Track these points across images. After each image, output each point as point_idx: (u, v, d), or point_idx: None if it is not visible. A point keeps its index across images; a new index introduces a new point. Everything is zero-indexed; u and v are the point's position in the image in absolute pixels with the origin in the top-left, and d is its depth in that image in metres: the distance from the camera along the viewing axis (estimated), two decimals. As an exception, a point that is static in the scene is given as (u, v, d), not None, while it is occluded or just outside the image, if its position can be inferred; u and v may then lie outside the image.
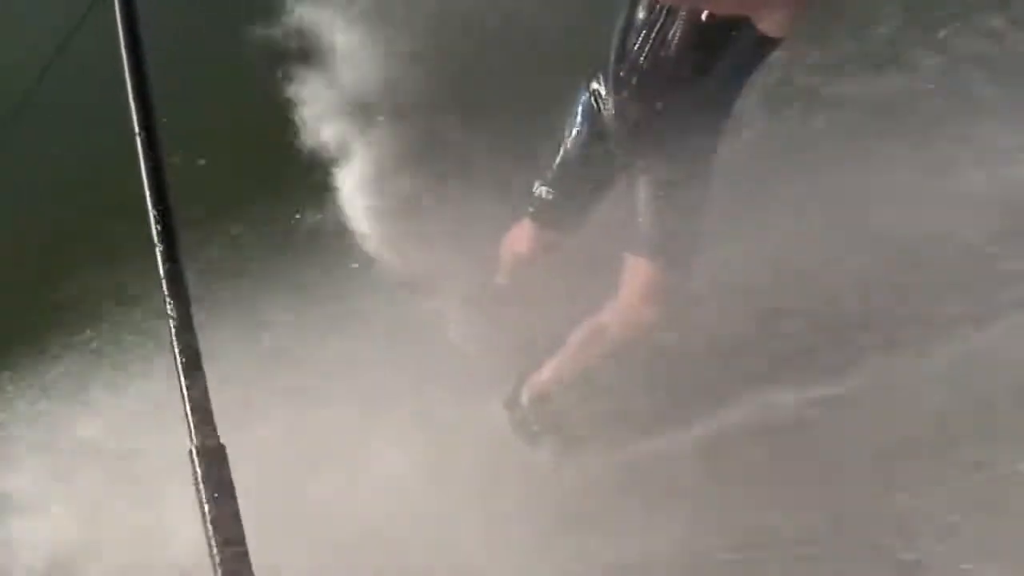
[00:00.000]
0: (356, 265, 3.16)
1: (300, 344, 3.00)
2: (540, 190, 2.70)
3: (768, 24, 2.13)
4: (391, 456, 2.73)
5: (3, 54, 3.70)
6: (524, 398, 2.89)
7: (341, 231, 3.22)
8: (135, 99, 1.17)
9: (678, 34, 2.23)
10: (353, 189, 3.33)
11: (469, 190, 3.16)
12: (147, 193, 1.14)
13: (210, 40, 3.61)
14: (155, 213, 1.12)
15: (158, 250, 1.04)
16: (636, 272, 2.54)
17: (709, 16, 2.16)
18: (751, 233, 2.90)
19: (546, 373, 2.85)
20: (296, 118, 3.32)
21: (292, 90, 3.34)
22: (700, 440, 2.78)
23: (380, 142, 3.38)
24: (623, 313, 2.60)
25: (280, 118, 3.29)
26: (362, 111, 3.34)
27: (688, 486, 2.63)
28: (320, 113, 3.33)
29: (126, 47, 1.20)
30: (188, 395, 1.00)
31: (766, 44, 2.20)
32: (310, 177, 3.29)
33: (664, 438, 2.81)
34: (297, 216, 3.26)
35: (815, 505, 2.61)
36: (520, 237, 2.82)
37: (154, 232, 1.09)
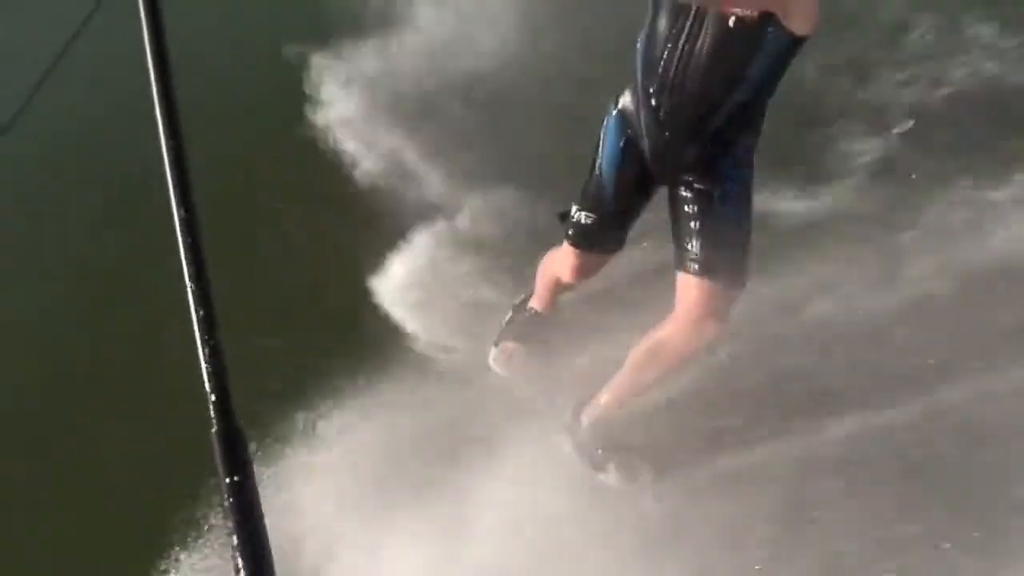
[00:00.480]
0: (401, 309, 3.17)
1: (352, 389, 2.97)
2: (579, 215, 2.63)
3: (796, 20, 2.08)
4: (452, 494, 2.68)
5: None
6: (584, 422, 2.82)
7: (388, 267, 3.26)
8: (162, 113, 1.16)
9: (707, 43, 2.16)
10: (392, 226, 3.35)
11: (507, 222, 3.21)
12: (169, 180, 1.13)
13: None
14: (179, 207, 1.11)
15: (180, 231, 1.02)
16: (690, 290, 2.47)
17: (737, 21, 2.09)
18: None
19: (604, 396, 2.78)
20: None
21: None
22: (770, 455, 2.69)
23: (414, 172, 3.44)
24: (680, 332, 2.52)
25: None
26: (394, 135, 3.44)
27: (762, 500, 2.55)
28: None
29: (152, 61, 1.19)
30: (209, 379, 0.97)
31: (793, 43, 2.14)
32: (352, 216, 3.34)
33: (727, 456, 2.73)
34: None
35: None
36: (561, 262, 2.77)
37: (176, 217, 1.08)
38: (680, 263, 2.49)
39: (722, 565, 2.46)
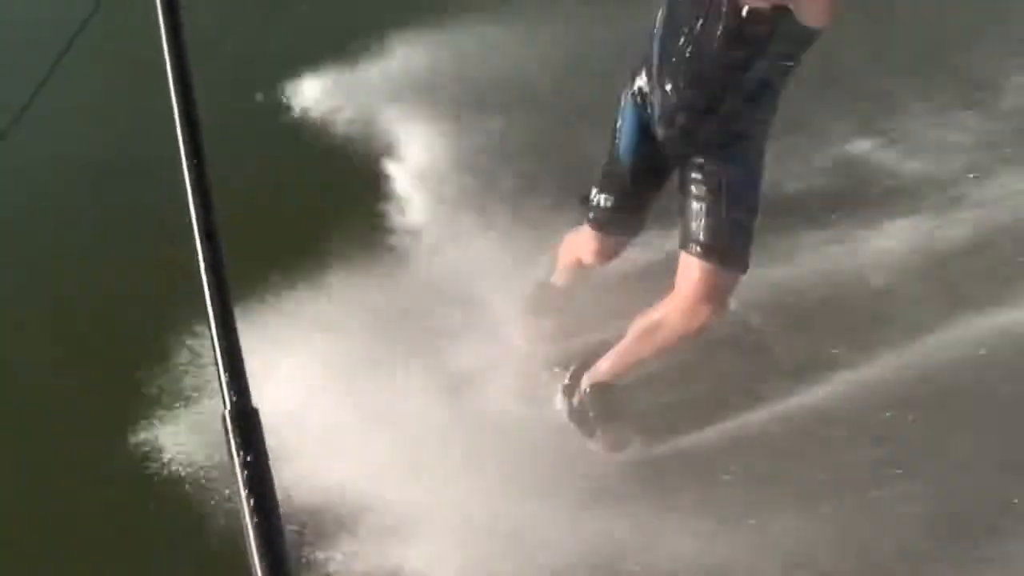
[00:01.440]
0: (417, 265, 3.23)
1: (366, 343, 3.00)
2: (598, 198, 2.66)
3: (809, 14, 2.09)
4: (452, 442, 2.74)
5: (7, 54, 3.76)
6: (584, 386, 2.88)
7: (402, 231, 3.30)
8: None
9: (720, 31, 2.17)
10: (411, 190, 3.37)
11: (526, 195, 3.22)
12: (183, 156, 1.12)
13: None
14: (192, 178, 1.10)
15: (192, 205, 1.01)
16: (690, 270, 2.50)
17: (750, 11, 2.11)
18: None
19: (604, 364, 2.83)
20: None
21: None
22: (749, 429, 2.77)
23: (438, 146, 3.46)
24: (679, 311, 2.55)
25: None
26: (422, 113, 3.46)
27: (740, 474, 2.63)
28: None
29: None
30: (221, 357, 0.97)
31: (806, 35, 2.15)
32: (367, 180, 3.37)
33: (719, 428, 2.79)
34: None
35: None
36: (583, 245, 2.80)
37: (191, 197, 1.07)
38: (684, 243, 2.52)
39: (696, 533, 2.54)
